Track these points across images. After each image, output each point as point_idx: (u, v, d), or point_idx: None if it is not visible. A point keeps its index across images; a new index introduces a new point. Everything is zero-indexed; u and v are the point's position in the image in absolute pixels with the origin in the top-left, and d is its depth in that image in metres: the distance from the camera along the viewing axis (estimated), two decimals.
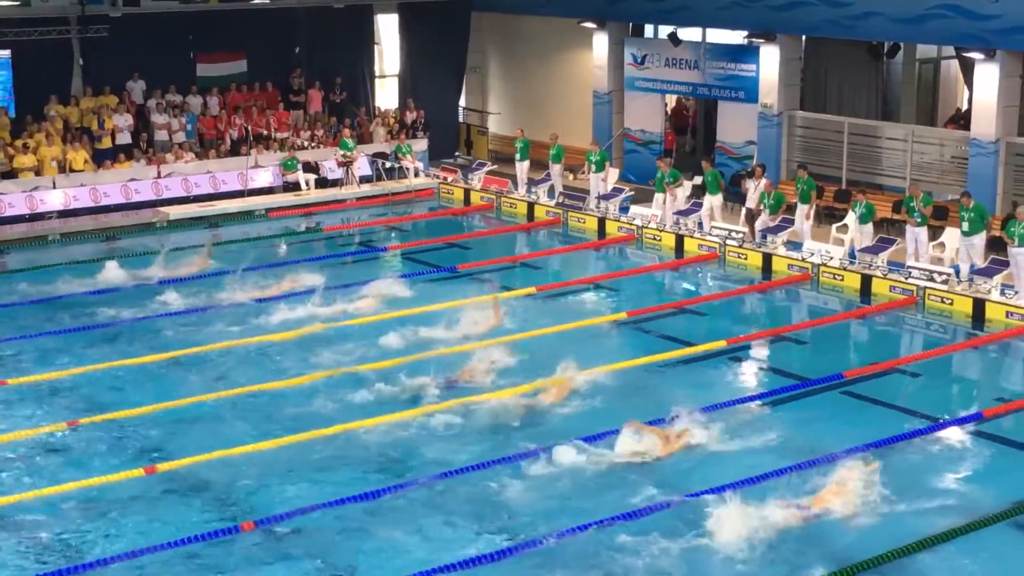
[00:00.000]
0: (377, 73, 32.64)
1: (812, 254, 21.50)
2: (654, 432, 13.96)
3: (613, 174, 27.23)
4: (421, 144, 29.99)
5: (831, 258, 21.28)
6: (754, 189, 23.26)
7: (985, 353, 18.49)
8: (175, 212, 25.85)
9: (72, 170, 25.93)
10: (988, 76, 22.93)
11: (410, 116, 30.72)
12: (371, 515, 12.67)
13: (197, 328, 18.57)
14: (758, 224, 22.92)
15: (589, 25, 29.92)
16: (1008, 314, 18.86)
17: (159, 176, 26.58)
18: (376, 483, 13.34)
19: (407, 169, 28.52)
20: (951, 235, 21.67)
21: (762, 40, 26.54)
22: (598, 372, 16.26)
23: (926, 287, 19.87)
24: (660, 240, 23.68)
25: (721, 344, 17.90)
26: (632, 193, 26.03)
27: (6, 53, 26.69)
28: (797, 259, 21.62)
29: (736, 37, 27.81)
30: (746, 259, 22.29)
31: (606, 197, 25.50)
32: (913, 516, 12.53)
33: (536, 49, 32.61)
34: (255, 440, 14.37)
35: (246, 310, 19.28)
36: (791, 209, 23.02)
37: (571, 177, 27.90)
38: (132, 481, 13.39)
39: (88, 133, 26.74)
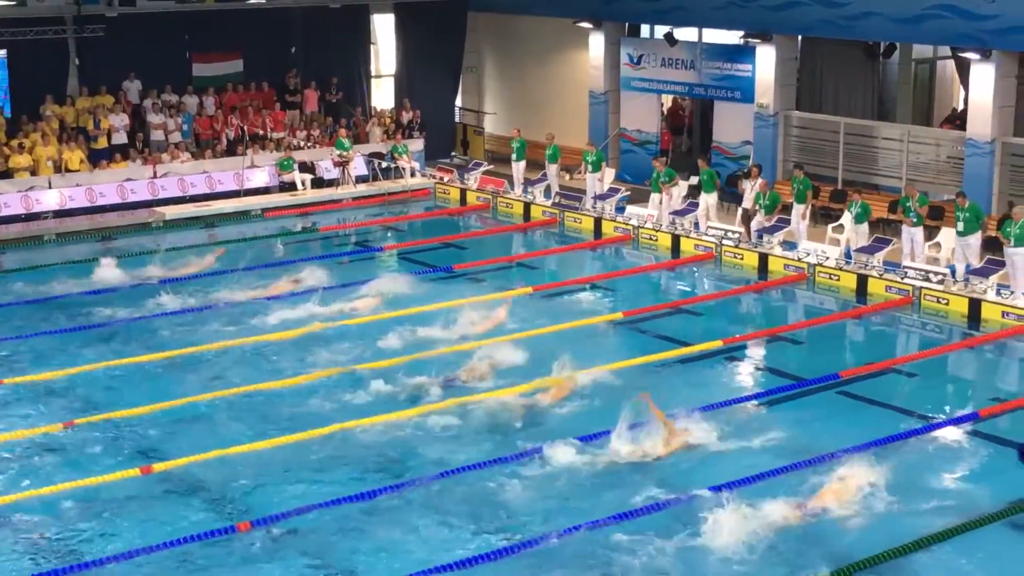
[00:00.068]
0: (373, 73, 32.61)
1: (808, 254, 21.50)
2: (659, 417, 13.98)
3: (609, 174, 27.20)
4: (417, 144, 29.96)
5: (827, 258, 21.29)
6: (750, 189, 23.26)
7: (981, 353, 18.49)
8: (171, 212, 25.82)
9: (68, 170, 25.91)
10: (984, 76, 22.96)
11: (406, 116, 30.70)
12: (369, 515, 12.65)
13: (193, 328, 18.55)
14: (754, 224, 22.92)
15: (585, 25, 29.92)
16: (1004, 314, 18.88)
17: (155, 176, 26.55)
18: (373, 483, 13.32)
19: (403, 169, 28.48)
20: (947, 235, 21.65)
21: (758, 40, 26.53)
22: (595, 372, 16.22)
23: (922, 287, 19.88)
24: (656, 240, 23.68)
25: (717, 344, 17.90)
26: (628, 193, 26.01)
27: (2, 53, 26.67)
28: (793, 259, 21.62)
29: (732, 37, 27.78)
30: (742, 259, 22.29)
31: (602, 197, 25.49)
32: (909, 516, 12.53)
33: (532, 49, 32.61)
34: (252, 440, 14.35)
35: (242, 310, 19.27)
36: (787, 209, 23.02)
37: (567, 177, 27.91)
38: (128, 481, 13.37)
39: (84, 133, 26.73)
